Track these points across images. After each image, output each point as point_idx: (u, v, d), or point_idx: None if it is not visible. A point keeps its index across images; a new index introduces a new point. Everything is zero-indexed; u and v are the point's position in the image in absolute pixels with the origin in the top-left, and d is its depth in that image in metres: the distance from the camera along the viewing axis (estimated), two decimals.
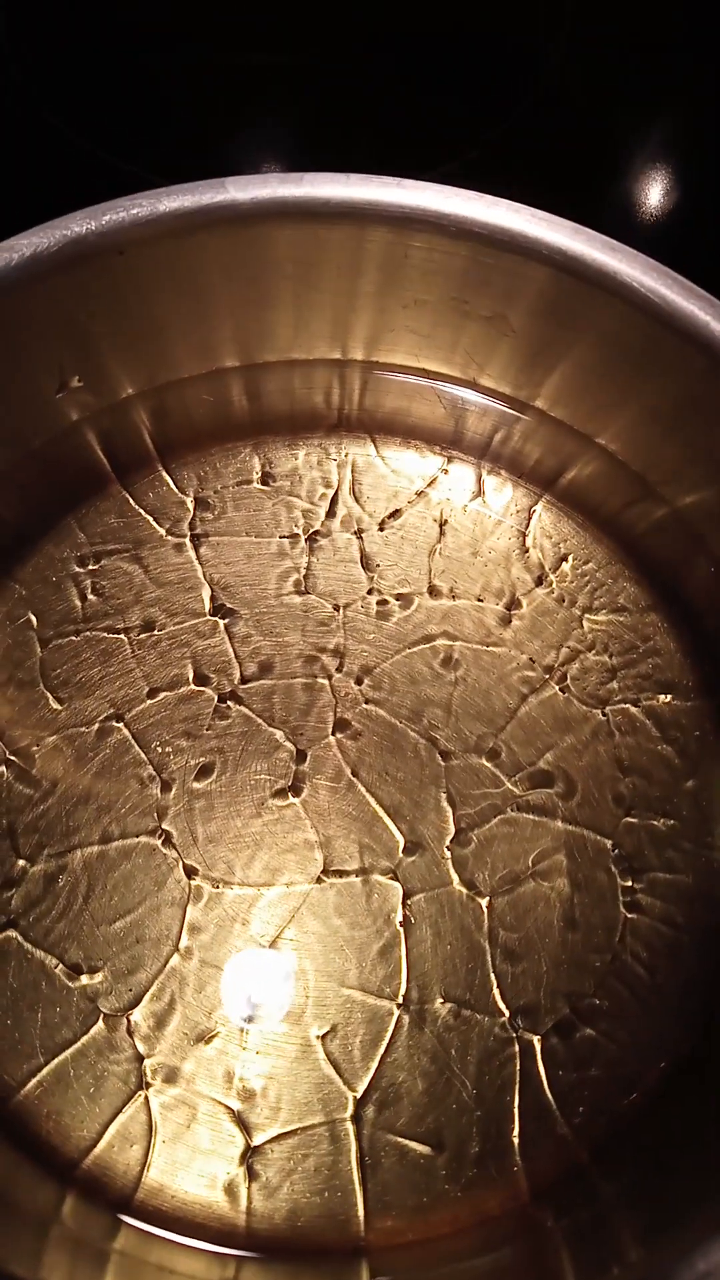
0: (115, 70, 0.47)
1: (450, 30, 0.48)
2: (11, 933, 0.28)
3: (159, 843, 0.29)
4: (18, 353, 0.30)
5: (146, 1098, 0.27)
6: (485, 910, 0.29)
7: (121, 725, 0.31)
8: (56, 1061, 0.27)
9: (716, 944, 0.29)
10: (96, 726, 0.31)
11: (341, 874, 0.29)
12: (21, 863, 0.29)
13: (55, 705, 0.31)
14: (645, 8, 0.49)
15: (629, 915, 0.29)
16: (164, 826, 0.29)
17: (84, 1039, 0.27)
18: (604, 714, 0.31)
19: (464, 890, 0.29)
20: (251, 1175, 0.26)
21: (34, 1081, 0.27)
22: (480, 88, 0.46)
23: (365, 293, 0.32)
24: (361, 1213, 0.26)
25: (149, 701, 0.31)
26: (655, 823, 0.30)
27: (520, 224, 0.28)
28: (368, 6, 0.49)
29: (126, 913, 0.28)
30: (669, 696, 0.31)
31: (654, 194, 0.43)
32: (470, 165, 0.42)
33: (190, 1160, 0.26)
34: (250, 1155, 0.26)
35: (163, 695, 0.31)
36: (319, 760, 0.30)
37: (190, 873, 0.29)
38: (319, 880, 0.29)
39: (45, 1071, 0.27)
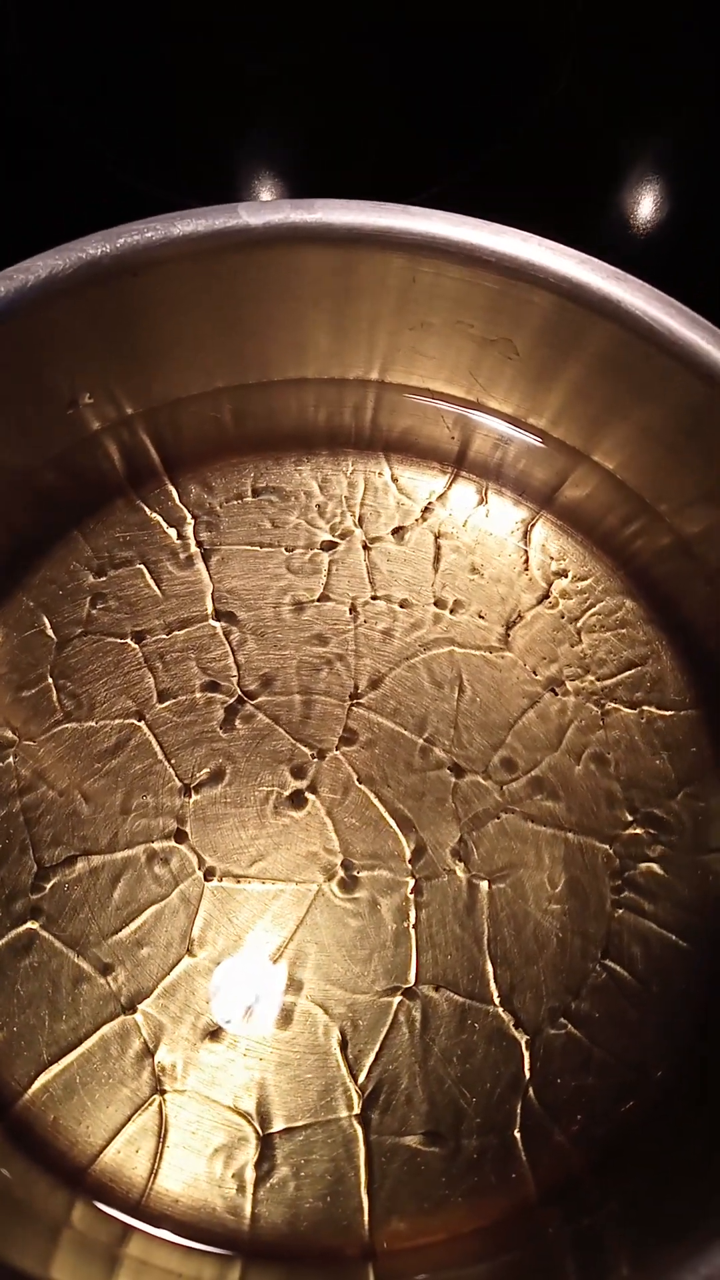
0: (120, 75, 0.46)
1: (459, 39, 0.48)
2: (22, 934, 0.28)
3: (170, 847, 0.30)
4: (32, 369, 0.31)
5: (156, 1101, 0.27)
6: (486, 917, 0.29)
7: (133, 731, 0.31)
8: (63, 1064, 0.27)
9: (712, 953, 0.29)
10: (108, 732, 0.31)
11: (348, 881, 0.30)
12: (33, 866, 0.29)
13: (67, 711, 0.31)
14: (654, 13, 0.48)
15: (626, 923, 0.29)
16: (175, 830, 0.30)
17: (91, 1041, 0.27)
18: (603, 727, 0.32)
19: (466, 897, 0.29)
20: (258, 1178, 0.26)
21: (38, 1085, 0.27)
22: (488, 99, 0.46)
23: (373, 315, 0.33)
24: (367, 1216, 0.26)
25: (159, 708, 0.31)
26: (652, 833, 0.31)
27: (527, 252, 0.29)
28: (377, 14, 0.48)
29: (136, 916, 0.29)
30: (667, 710, 0.32)
31: (662, 211, 0.43)
32: (476, 179, 0.43)
33: (197, 1163, 0.26)
34: (256, 1157, 0.27)
35: (172, 702, 0.32)
36: (326, 770, 0.31)
37: (202, 876, 0.29)
38: (327, 886, 0.30)
39: (51, 1075, 0.27)
